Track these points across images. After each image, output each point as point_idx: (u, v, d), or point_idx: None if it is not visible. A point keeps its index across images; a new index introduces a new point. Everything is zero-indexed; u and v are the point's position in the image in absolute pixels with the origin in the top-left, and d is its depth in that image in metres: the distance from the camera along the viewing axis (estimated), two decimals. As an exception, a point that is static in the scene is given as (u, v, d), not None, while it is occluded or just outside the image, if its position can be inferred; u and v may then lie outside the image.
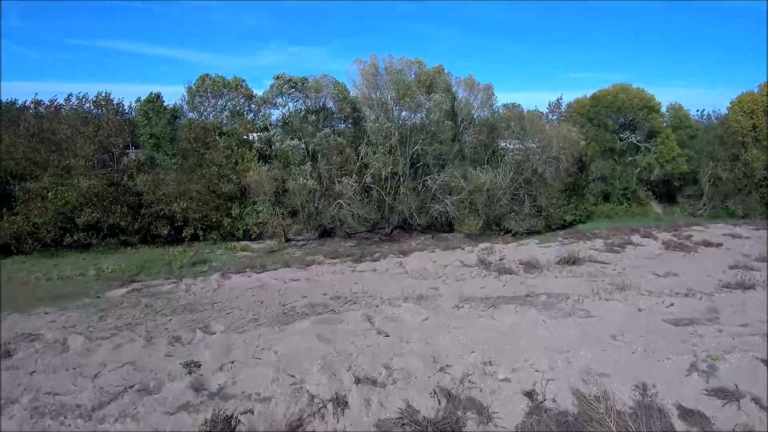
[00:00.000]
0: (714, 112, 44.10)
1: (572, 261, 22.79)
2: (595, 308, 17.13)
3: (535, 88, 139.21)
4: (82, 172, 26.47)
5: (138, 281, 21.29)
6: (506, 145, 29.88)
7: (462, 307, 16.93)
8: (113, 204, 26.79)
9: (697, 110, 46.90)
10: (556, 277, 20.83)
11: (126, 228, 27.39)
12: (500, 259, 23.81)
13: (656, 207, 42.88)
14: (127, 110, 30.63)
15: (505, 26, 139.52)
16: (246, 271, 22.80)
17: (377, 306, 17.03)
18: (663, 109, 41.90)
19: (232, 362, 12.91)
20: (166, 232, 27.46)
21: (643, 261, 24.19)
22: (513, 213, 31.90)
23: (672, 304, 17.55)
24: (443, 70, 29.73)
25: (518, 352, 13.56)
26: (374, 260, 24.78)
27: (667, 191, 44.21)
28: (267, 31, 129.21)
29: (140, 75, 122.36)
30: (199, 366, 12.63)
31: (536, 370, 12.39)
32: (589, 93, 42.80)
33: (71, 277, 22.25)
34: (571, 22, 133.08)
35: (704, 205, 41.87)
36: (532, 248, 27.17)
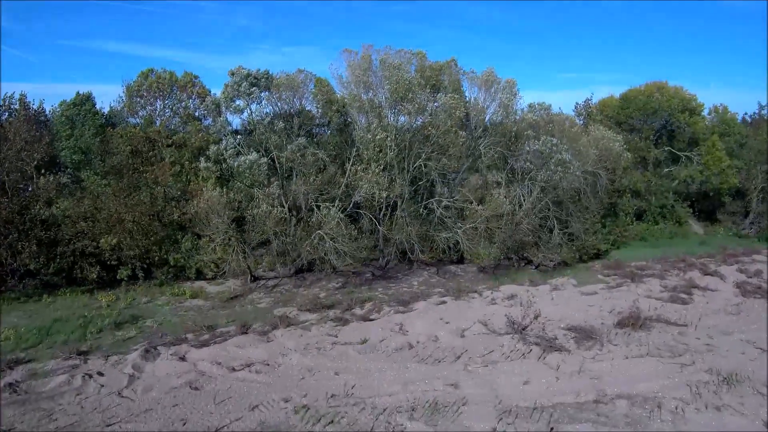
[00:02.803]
0: (766, 114, 37.90)
1: (637, 324, 16.53)
2: (707, 429, 10.91)
3: (530, 89, 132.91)
4: (-25, 199, 20.03)
5: (26, 361, 14.87)
6: (541, 150, 23.22)
7: (503, 433, 10.60)
8: (19, 241, 20.29)
9: (746, 113, 40.87)
10: (625, 357, 14.49)
11: (40, 270, 20.98)
12: (536, 318, 17.54)
13: (695, 226, 36.80)
14: (50, 116, 23.97)
15: (503, 26, 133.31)
16: (185, 340, 16.43)
17: (367, 433, 10.65)
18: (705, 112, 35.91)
19: None
20: (93, 275, 21.01)
21: (726, 319, 17.97)
22: (538, 240, 25.69)
23: (819, 416, 11.36)
24: (457, 64, 23.39)
25: None
26: (364, 318, 18.42)
27: (705, 207, 38.23)
28: (259, 31, 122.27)
29: (132, 76, 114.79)
30: None
31: None
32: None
33: (-57, 352, 15.90)
34: (568, 22, 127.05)
35: (751, 223, 35.90)
36: (572, 294, 20.89)
